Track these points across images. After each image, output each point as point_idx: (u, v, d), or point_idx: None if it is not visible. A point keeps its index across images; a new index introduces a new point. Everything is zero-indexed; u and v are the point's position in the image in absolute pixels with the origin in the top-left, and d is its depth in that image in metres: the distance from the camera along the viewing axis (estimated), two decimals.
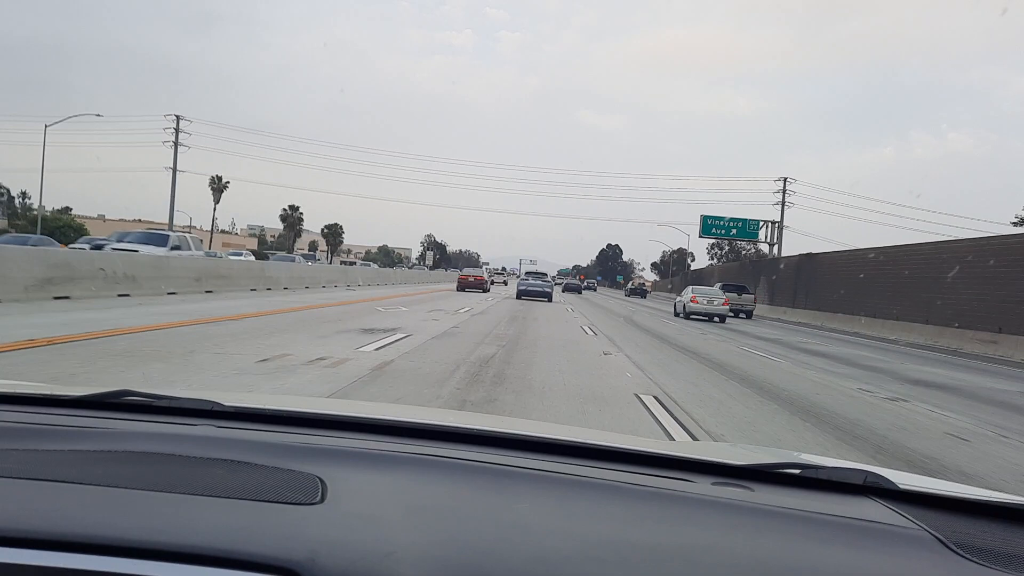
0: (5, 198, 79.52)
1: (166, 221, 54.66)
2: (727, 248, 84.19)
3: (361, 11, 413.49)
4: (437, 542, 0.78)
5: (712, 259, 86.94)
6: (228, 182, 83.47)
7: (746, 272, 50.27)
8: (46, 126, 41.62)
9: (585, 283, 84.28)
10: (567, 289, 58.47)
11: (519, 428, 1.24)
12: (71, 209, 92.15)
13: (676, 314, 28.80)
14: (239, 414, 1.23)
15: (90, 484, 0.85)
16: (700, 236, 54.83)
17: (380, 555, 0.73)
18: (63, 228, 54.00)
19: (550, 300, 31.10)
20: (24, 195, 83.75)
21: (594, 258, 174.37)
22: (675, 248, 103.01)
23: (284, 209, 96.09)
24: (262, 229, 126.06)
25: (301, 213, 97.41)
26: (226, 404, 1.24)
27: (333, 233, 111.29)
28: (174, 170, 55.14)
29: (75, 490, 0.83)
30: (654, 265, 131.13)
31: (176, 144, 55.56)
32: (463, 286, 36.92)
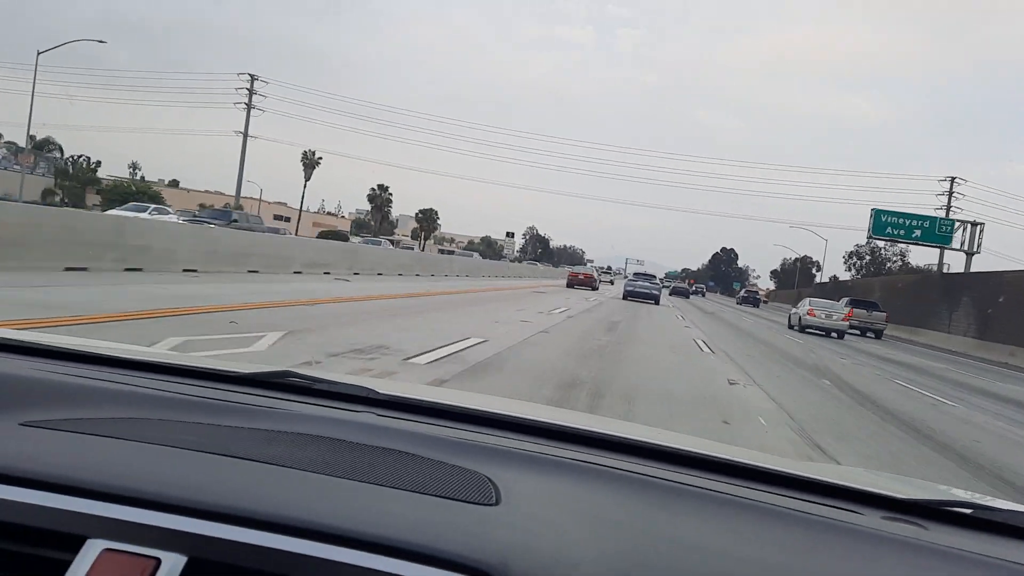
0: (59, 158, 72.98)
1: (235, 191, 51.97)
2: (868, 259, 75.85)
3: (480, 4, 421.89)
4: (617, 555, 0.77)
5: (850, 270, 79.08)
6: (320, 157, 77.84)
7: (933, 288, 39.52)
8: (39, 52, 35.89)
9: (694, 288, 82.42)
10: (675, 292, 57.68)
11: (687, 444, 1.21)
12: (138, 171, 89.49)
13: (790, 326, 27.99)
14: (394, 403, 1.25)
15: (277, 465, 0.86)
16: (870, 237, 42.23)
17: (568, 564, 0.73)
18: (136, 195, 49.78)
19: (657, 303, 30.92)
20: (77, 159, 72.93)
21: (706, 262, 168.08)
22: (799, 256, 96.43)
23: (372, 189, 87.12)
24: (364, 213, 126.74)
25: (390, 194, 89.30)
26: (381, 392, 1.26)
27: (428, 218, 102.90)
28: (245, 135, 50.02)
29: (266, 470, 0.85)
30: (773, 273, 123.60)
31: (248, 107, 50.73)
32: (572, 283, 38.04)
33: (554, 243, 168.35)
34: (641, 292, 31.20)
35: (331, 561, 0.69)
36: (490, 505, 0.84)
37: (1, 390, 1.02)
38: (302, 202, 78.60)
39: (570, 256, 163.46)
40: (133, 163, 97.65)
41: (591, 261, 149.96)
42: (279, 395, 1.22)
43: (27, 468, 0.76)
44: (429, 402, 1.26)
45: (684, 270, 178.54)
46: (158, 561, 0.68)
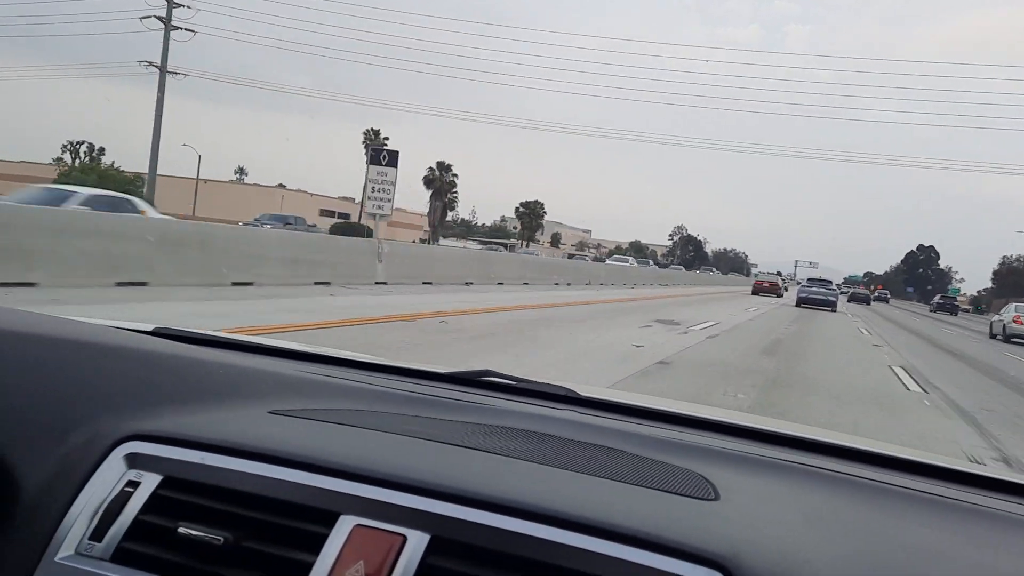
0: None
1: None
2: None
3: (641, 10, 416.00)
4: (847, 556, 0.75)
5: None
6: (455, 174, 74.31)
7: None
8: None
9: (877, 293, 76.42)
10: (853, 299, 54.07)
11: (899, 451, 1.16)
12: (244, 175, 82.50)
13: (992, 335, 25.65)
14: (593, 403, 1.26)
15: (502, 455, 0.90)
16: None
17: (799, 560, 0.71)
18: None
19: (834, 309, 29.60)
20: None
21: (897, 263, 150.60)
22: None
23: (430, 168, 74.33)
24: (503, 218, 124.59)
25: (455, 175, 76.41)
26: (582, 393, 1.28)
27: (532, 213, 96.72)
28: (160, 101, 32.27)
29: (496, 459, 0.89)
30: (996, 275, 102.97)
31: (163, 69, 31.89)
32: (757, 290, 40.74)
33: (711, 246, 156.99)
34: (816, 299, 29.98)
35: (569, 547, 0.71)
36: (711, 500, 0.84)
37: (253, 384, 1.13)
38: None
39: (731, 261, 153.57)
40: (239, 167, 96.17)
41: (755, 266, 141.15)
42: (483, 392, 1.28)
43: (283, 449, 0.84)
44: (630, 403, 1.27)
45: (867, 274, 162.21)
46: (404, 538, 0.73)
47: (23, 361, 0.93)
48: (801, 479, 0.99)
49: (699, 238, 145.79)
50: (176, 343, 1.21)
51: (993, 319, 27.44)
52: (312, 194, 78.57)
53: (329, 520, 0.76)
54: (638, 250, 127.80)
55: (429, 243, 57.80)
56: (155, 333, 1.31)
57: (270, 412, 1.01)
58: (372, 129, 68.21)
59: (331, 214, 72.03)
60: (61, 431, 0.89)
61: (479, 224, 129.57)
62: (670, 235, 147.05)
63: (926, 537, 0.86)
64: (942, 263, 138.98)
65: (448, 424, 1.05)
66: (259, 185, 76.07)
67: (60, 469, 0.85)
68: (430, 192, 73.84)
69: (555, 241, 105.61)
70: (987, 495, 1.02)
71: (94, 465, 0.85)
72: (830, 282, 33.60)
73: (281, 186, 78.22)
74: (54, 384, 0.94)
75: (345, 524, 0.75)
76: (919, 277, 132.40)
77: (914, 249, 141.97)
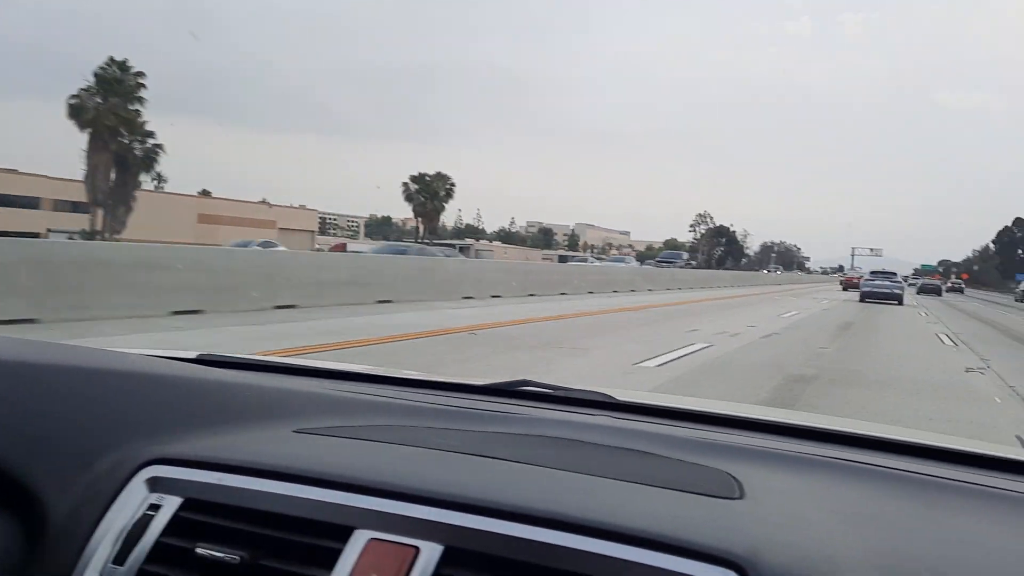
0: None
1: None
2: None
3: (693, 7, 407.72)
4: (876, 551, 0.75)
5: None
6: (451, 184, 67.39)
7: None
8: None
9: (950, 284, 70.40)
10: (923, 290, 49.80)
11: (933, 439, 1.17)
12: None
13: None
14: (631, 407, 1.28)
15: (523, 463, 0.92)
16: None
17: (821, 557, 0.72)
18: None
19: (900, 303, 28.99)
20: None
21: (985, 245, 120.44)
22: None
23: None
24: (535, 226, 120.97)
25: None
26: (619, 398, 1.30)
27: (427, 191, 66.79)
28: None
29: (514, 467, 0.91)
30: None
31: None
32: (847, 286, 44.86)
33: (755, 239, 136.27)
34: (880, 292, 29.36)
35: (580, 551, 0.71)
36: (734, 499, 0.84)
37: (277, 403, 1.14)
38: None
39: (781, 256, 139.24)
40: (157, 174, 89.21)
41: (807, 259, 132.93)
42: (519, 402, 1.30)
43: (299, 467, 0.85)
44: (664, 406, 1.29)
45: (942, 262, 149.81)
46: (417, 549, 0.74)
47: (53, 392, 0.95)
48: (833, 474, 0.99)
49: (731, 228, 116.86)
50: (213, 368, 1.25)
51: None
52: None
53: (344, 535, 0.77)
54: (672, 248, 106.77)
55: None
56: (198, 360, 1.36)
57: (295, 431, 1.03)
58: None
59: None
60: (88, 458, 0.91)
61: (482, 228, 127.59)
62: (691, 225, 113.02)
63: (963, 528, 0.86)
64: None
65: (477, 435, 1.06)
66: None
67: (86, 496, 0.88)
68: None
69: (571, 244, 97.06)
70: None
71: (117, 490, 0.88)
72: (894, 274, 32.97)
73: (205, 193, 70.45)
74: (83, 413, 0.96)
75: (359, 538, 0.77)
76: (1015, 261, 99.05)
77: (1009, 224, 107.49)
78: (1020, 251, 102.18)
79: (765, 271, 72.94)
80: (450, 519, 0.76)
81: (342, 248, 35.53)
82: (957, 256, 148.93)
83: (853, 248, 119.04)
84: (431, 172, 69.20)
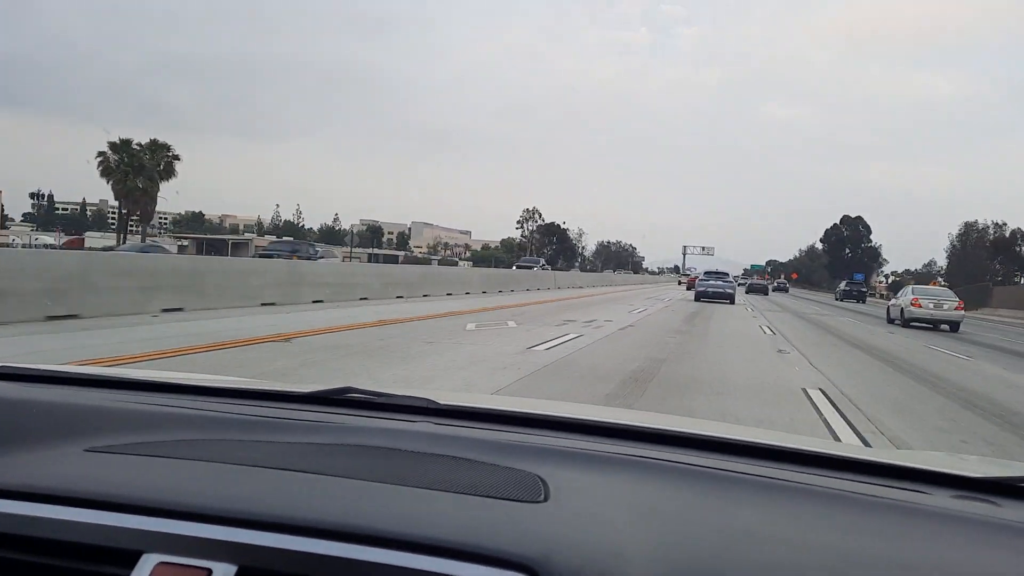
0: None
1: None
2: None
3: (535, 16, 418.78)
4: (664, 544, 0.79)
5: None
6: (175, 155, 50.81)
7: None
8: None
9: (776, 284, 77.22)
10: (751, 290, 53.86)
11: (736, 433, 1.24)
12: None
13: (890, 320, 25.16)
14: (454, 412, 1.28)
15: (328, 475, 0.90)
16: None
17: (610, 554, 0.75)
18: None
19: (732, 302, 30.69)
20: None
21: (811, 244, 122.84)
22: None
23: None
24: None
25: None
26: (441, 402, 1.28)
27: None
28: None
29: (316, 480, 0.89)
30: (953, 252, 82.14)
31: None
32: (689, 286, 47.85)
33: (590, 238, 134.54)
34: (715, 291, 30.78)
35: (375, 564, 0.72)
36: (537, 502, 0.86)
37: (66, 420, 1.08)
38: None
39: (616, 255, 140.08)
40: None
41: (643, 258, 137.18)
42: (342, 411, 1.26)
43: (87, 490, 0.82)
44: (486, 409, 1.32)
45: (771, 262, 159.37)
46: (209, 571, 0.72)
47: None
48: (635, 472, 1.02)
49: (564, 226, 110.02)
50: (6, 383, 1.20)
51: (890, 303, 26.99)
52: None
53: (131, 560, 0.74)
54: (508, 248, 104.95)
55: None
56: None
57: (87, 450, 0.98)
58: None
59: None
60: None
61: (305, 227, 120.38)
62: (518, 222, 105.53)
63: (748, 519, 0.89)
64: (874, 239, 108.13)
65: (284, 447, 1.03)
66: None
67: None
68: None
69: (400, 243, 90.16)
70: (820, 474, 1.07)
71: None
72: (727, 274, 34.68)
73: None
74: None
75: (147, 563, 0.74)
76: (843, 260, 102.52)
77: (837, 223, 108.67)
78: (847, 250, 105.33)
79: (611, 271, 74.77)
80: (244, 538, 0.74)
81: (79, 244, 31.47)
82: (788, 255, 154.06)
83: (685, 247, 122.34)
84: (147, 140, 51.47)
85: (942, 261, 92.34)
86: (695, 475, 1.01)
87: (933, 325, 22.78)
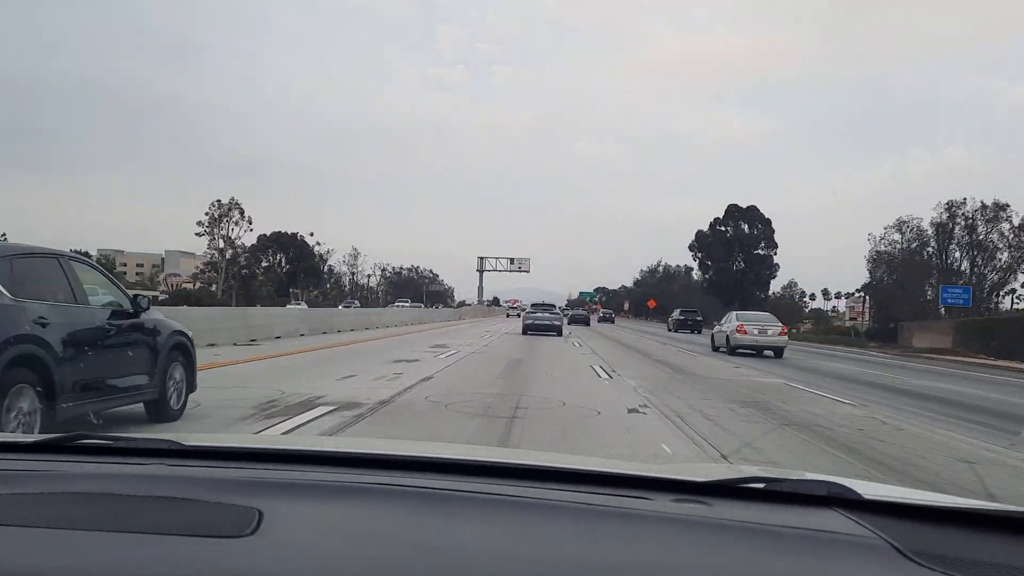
0: None
1: None
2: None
3: (354, 49, 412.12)
4: (372, 570, 0.82)
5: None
6: None
7: None
8: None
9: (602, 313, 78.55)
10: (574, 321, 54.13)
11: (470, 455, 1.30)
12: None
13: (715, 348, 25.07)
14: (194, 452, 1.30)
15: (31, 526, 0.90)
16: None
17: None
18: None
19: (560, 334, 31.03)
20: None
21: (644, 272, 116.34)
22: None
23: None
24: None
25: None
26: (186, 443, 1.30)
27: None
28: None
29: (16, 532, 0.89)
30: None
31: None
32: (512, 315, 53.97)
33: (366, 259, 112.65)
34: (542, 324, 31.27)
35: None
36: (244, 536, 0.88)
37: None
38: None
39: (408, 283, 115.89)
40: None
41: (452, 288, 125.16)
42: (76, 458, 1.25)
43: None
44: (227, 448, 1.34)
45: (599, 290, 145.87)
46: None
47: None
48: (361, 498, 1.05)
49: (300, 236, 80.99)
50: None
51: (714, 331, 26.97)
52: None
53: None
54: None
55: None
56: None
57: None
58: None
59: None
60: None
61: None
62: (199, 222, 70.27)
63: (465, 536, 0.94)
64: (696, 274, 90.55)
65: (5, 499, 1.02)
66: None
67: None
68: None
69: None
70: (549, 487, 1.11)
71: None
72: (554, 306, 35.51)
73: None
74: None
75: None
76: (665, 292, 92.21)
77: (719, 216, 78.65)
78: (664, 285, 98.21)
79: (341, 306, 50.20)
80: None
81: None
82: (624, 281, 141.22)
83: (481, 258, 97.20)
84: None
85: None
86: (419, 496, 1.04)
87: (757, 351, 22.90)
